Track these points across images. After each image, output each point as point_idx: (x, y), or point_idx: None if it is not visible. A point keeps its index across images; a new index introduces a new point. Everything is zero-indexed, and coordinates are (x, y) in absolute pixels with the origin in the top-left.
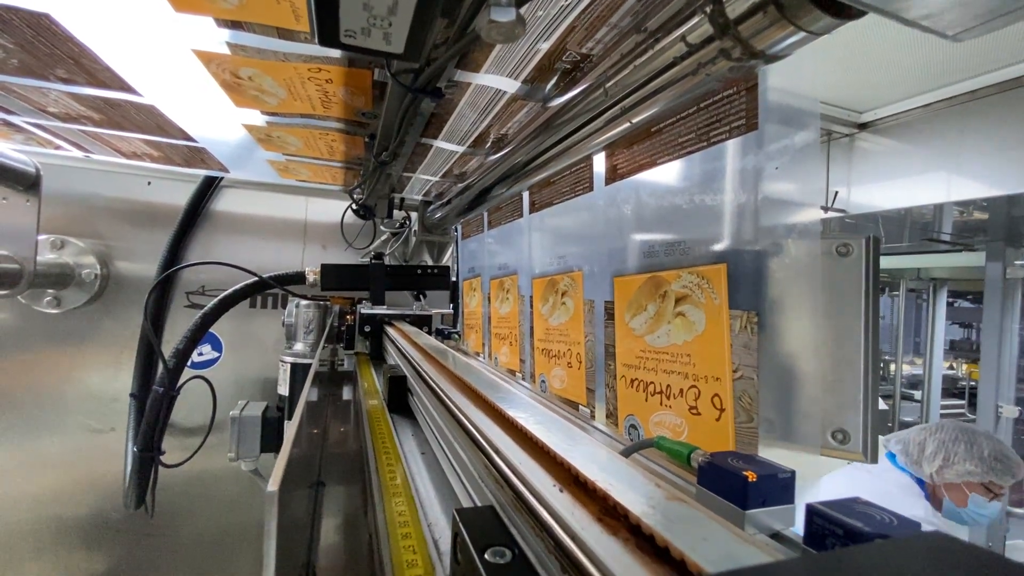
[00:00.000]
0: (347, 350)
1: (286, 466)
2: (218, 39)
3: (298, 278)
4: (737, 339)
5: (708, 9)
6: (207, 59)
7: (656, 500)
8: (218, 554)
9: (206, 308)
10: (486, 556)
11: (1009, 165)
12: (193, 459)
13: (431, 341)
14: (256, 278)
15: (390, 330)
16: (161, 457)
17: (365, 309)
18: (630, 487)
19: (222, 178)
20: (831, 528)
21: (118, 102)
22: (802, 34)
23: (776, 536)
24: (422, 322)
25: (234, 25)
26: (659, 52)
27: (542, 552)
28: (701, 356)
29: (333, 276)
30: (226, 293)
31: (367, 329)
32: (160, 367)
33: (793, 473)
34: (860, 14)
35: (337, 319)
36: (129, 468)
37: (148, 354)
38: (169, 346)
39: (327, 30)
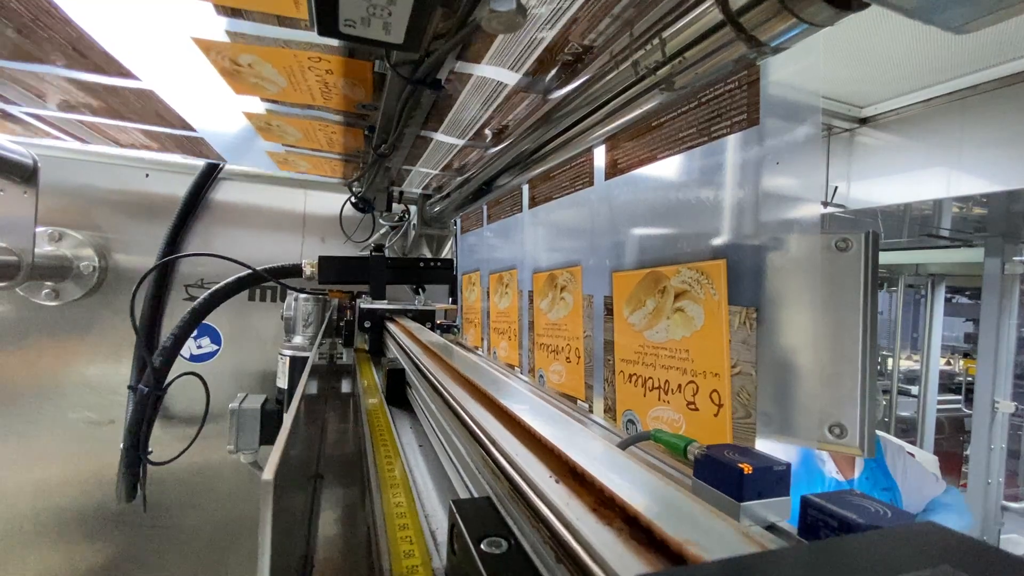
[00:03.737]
0: (346, 346)
1: (281, 455)
2: (217, 26)
3: (294, 271)
4: (736, 335)
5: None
6: (206, 47)
7: (651, 491)
8: (218, 545)
9: (196, 303)
10: (482, 546)
11: (1009, 161)
12: (193, 451)
13: (436, 338)
14: (249, 271)
15: (392, 326)
16: (149, 455)
17: (365, 303)
18: (626, 479)
19: (221, 168)
20: (826, 519)
21: (116, 88)
22: (805, 26)
23: (771, 528)
24: (425, 318)
25: (234, 13)
26: (660, 44)
27: (538, 542)
28: (700, 352)
29: (332, 269)
30: (217, 287)
31: (367, 325)
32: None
33: (788, 465)
34: (863, 6)
35: (336, 313)
36: (119, 462)
37: (147, 346)
38: None
39: (326, 19)
